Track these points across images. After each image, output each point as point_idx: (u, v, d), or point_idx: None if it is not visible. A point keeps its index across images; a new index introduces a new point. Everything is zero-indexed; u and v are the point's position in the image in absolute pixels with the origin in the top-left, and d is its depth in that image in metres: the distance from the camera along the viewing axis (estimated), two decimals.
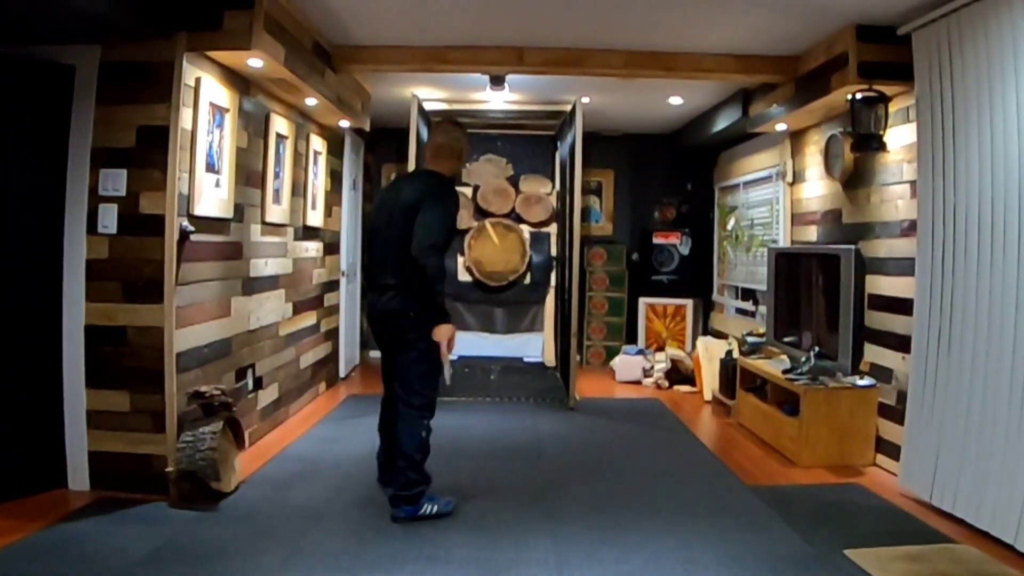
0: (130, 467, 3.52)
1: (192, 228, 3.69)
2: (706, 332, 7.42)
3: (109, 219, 3.52)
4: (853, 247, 4.38)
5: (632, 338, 7.59)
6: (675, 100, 6.18)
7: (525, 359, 7.53)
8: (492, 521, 3.37)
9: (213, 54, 3.75)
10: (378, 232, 3.48)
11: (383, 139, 7.60)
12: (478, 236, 7.41)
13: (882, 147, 4.27)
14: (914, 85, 3.83)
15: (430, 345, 3.31)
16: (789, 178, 5.71)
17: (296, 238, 5.34)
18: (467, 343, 7.53)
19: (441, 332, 3.29)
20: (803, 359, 4.60)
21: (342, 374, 6.69)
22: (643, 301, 7.57)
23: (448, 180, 3.51)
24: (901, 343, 4.10)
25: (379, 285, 3.43)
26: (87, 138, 3.52)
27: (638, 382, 6.79)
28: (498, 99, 6.11)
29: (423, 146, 3.39)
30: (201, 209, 3.80)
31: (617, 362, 7.00)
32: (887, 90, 4.16)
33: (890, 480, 4.01)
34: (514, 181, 7.56)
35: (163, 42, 3.51)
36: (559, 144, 7.21)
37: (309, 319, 5.70)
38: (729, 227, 7.09)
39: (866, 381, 4.35)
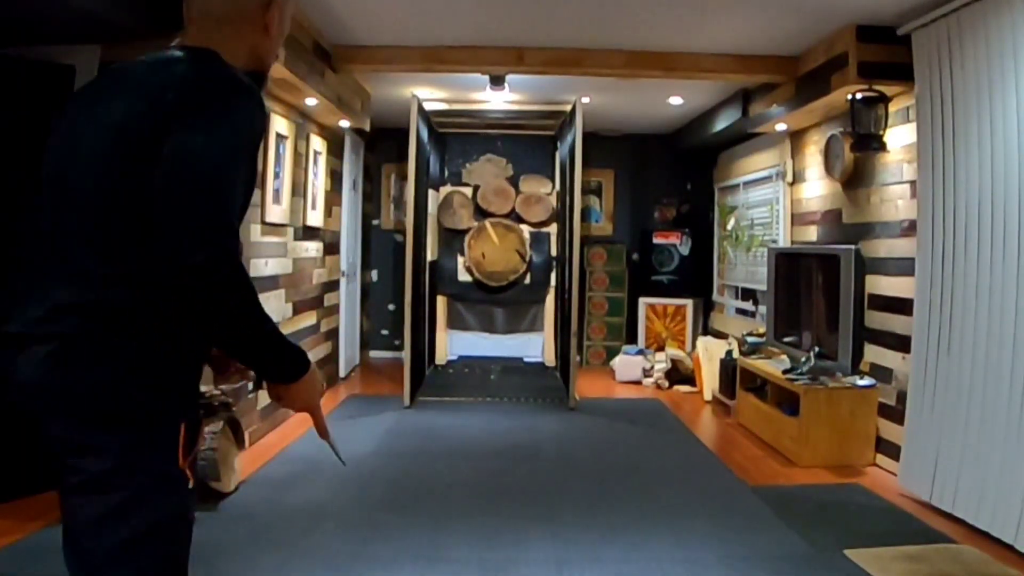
0: None
1: None
2: (706, 332, 7.42)
3: None
4: (853, 247, 4.38)
5: (632, 338, 7.58)
6: (675, 100, 6.18)
7: (525, 359, 7.53)
8: (492, 521, 3.37)
9: None
10: (53, 190, 1.48)
11: (383, 139, 7.59)
12: (478, 236, 7.42)
13: (882, 147, 4.27)
14: (914, 85, 3.83)
15: (166, 478, 1.33)
16: (789, 178, 5.71)
17: (296, 238, 5.34)
18: (467, 343, 7.57)
19: (302, 392, 1.39)
20: (803, 359, 4.60)
21: (342, 374, 6.69)
22: (643, 301, 7.57)
23: (238, 76, 1.45)
24: (901, 343, 4.09)
25: (35, 318, 1.35)
26: None
27: (638, 382, 6.79)
28: (498, 99, 6.11)
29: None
30: None
31: (617, 362, 7.00)
32: (887, 90, 4.16)
33: (890, 480, 4.01)
34: (514, 181, 7.56)
35: (163, 42, 3.48)
36: (559, 144, 7.21)
37: (309, 319, 5.70)
38: (729, 227, 7.09)
39: (866, 381, 4.35)
